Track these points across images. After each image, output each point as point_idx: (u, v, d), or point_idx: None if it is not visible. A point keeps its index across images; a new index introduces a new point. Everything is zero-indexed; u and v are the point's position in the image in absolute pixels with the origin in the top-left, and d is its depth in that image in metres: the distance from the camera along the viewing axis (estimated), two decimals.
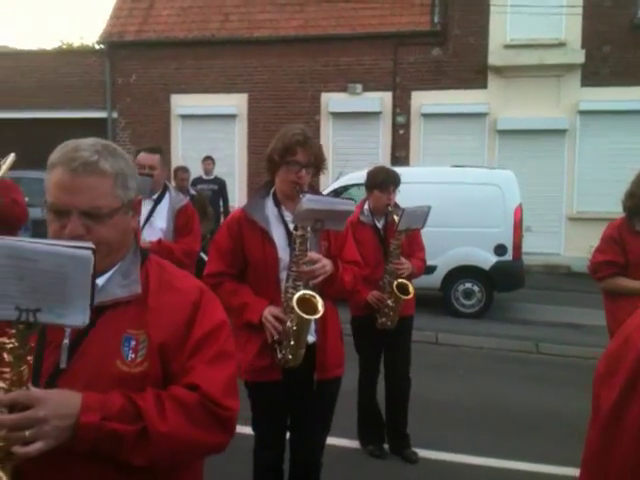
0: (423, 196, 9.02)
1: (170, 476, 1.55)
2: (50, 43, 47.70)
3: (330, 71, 14.20)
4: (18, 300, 1.24)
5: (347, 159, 13.56)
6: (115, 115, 15.33)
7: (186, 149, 15.13)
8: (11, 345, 1.28)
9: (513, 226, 8.63)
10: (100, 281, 1.48)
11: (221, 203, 10.88)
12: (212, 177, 11.07)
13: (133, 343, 1.48)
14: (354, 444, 4.58)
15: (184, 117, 15.05)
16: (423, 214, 4.22)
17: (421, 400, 4.92)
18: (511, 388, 6.24)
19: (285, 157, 2.90)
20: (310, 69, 14.29)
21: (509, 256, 8.68)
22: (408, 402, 4.48)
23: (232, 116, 14.83)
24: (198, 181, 11.00)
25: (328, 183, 14.27)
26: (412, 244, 4.45)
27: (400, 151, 14.02)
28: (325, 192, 9.50)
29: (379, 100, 13.94)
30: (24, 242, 1.24)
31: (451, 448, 4.62)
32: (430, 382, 5.97)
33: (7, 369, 1.29)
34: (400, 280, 4.08)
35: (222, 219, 9.92)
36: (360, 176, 10.18)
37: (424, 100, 13.78)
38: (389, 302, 4.09)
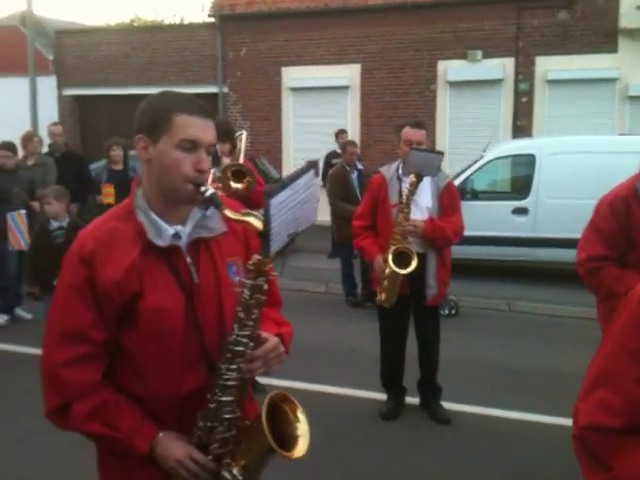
0: (579, 166, 8.72)
1: None
2: (122, 19, 48.10)
3: (448, 38, 13.75)
4: None
5: (474, 130, 13.22)
6: (226, 90, 15.27)
7: (297, 122, 15.02)
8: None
9: None
10: None
11: None
12: None
13: None
14: None
15: (295, 90, 14.87)
16: None
17: None
18: None
19: None
20: (426, 36, 13.87)
21: None
22: None
23: (344, 87, 14.57)
24: (333, 155, 10.88)
25: (448, 161, 13.95)
26: None
27: (522, 120, 13.55)
28: (472, 170, 9.17)
29: (501, 67, 13.45)
30: None
31: None
32: None
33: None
34: None
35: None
36: (506, 149, 9.85)
37: (549, 66, 13.23)
38: None
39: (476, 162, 9.27)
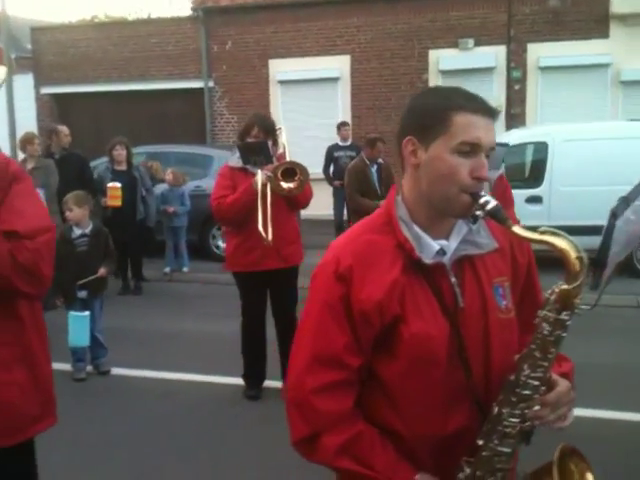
0: (593, 153, 8.64)
1: None
2: (83, 16, 46.92)
3: (438, 27, 13.58)
4: None
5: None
6: (211, 84, 14.88)
7: (286, 116, 14.68)
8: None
9: None
10: None
11: None
12: (349, 143, 10.70)
13: None
14: None
15: (283, 83, 14.55)
16: None
17: None
18: None
19: None
20: (417, 26, 13.68)
21: None
22: None
23: (334, 79, 14.31)
24: (335, 148, 10.65)
25: None
26: None
27: (516, 108, 13.48)
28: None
29: (493, 55, 13.34)
30: None
31: None
32: None
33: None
34: None
35: None
36: (517, 137, 9.66)
37: (541, 53, 13.16)
38: None
39: None
